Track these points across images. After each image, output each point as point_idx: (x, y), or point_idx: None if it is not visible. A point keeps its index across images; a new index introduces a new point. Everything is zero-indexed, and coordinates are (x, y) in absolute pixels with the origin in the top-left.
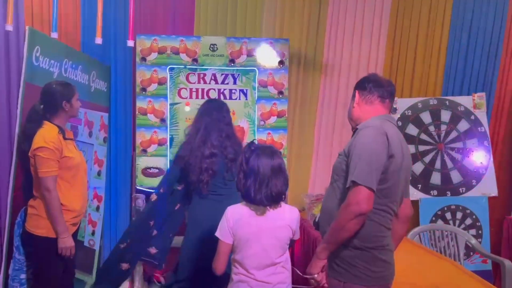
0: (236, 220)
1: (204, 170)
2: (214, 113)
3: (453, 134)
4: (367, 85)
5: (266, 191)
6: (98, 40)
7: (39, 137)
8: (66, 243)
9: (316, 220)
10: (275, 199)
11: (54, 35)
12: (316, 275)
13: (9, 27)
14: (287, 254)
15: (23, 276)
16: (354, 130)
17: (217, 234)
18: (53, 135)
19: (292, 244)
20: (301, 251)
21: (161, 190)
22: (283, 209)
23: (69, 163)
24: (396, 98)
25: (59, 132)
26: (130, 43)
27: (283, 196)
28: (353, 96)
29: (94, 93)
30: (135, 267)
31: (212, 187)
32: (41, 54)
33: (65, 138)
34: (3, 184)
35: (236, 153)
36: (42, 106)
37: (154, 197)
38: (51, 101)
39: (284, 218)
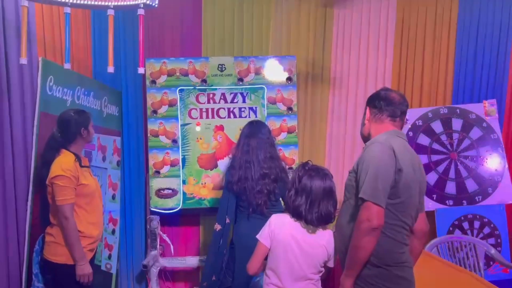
0: (278, 226)
1: (259, 192)
2: (258, 135)
3: (466, 142)
4: (378, 103)
5: (316, 211)
6: (110, 69)
7: (57, 166)
8: (84, 270)
9: None
10: (325, 219)
11: (67, 66)
12: None
13: (24, 61)
14: (319, 276)
15: None
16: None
17: (257, 236)
18: (70, 163)
19: (327, 273)
20: None
21: (227, 221)
22: (324, 231)
23: (85, 190)
24: None
25: (76, 160)
26: (141, 70)
27: (332, 218)
28: (365, 112)
29: (106, 118)
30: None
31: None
32: (54, 83)
33: (81, 166)
34: (22, 212)
35: (279, 174)
36: (59, 134)
37: (218, 227)
38: (68, 129)
39: (323, 240)
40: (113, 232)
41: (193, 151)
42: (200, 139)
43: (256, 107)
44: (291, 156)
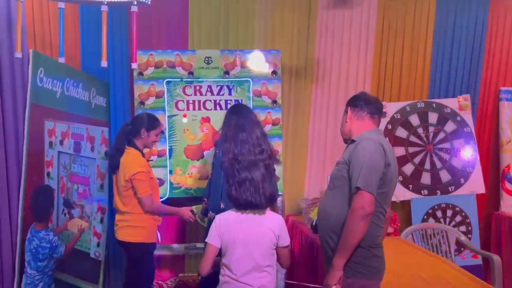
0: (225, 224)
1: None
2: (248, 114)
3: (441, 135)
4: (358, 102)
5: (259, 195)
6: (104, 64)
7: (135, 164)
8: (185, 215)
9: (314, 223)
10: (269, 200)
11: (62, 60)
12: (334, 287)
13: (19, 54)
14: (274, 261)
15: None
16: (347, 141)
17: (206, 239)
18: (142, 160)
19: (285, 251)
20: (299, 254)
21: (222, 206)
22: (266, 215)
23: (153, 183)
24: (385, 103)
25: (143, 156)
26: (134, 65)
27: (275, 199)
28: (345, 111)
29: (94, 109)
30: None
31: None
32: (44, 75)
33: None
34: (14, 203)
35: (272, 151)
36: (130, 127)
37: (212, 215)
38: (134, 126)
39: (267, 224)
40: (101, 220)
41: (180, 142)
42: (187, 130)
43: (242, 100)
44: (275, 147)
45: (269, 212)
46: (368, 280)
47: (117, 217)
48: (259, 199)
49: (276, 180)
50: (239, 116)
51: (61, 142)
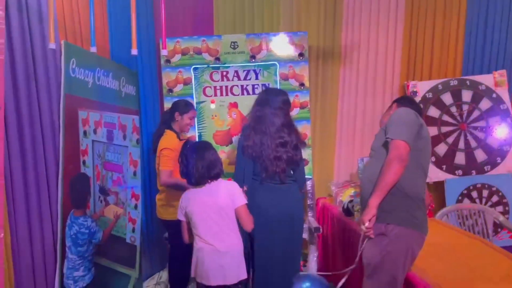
0: (185, 200)
1: (277, 158)
2: (273, 102)
3: (475, 113)
4: (403, 101)
5: (206, 171)
6: (134, 51)
7: (163, 141)
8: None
9: (345, 206)
10: (215, 175)
11: (94, 49)
12: (367, 223)
13: (52, 45)
14: (234, 222)
15: (76, 273)
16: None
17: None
18: (174, 139)
19: (240, 210)
20: (331, 238)
21: (244, 189)
22: (219, 183)
23: None
24: (415, 82)
25: (178, 138)
26: (164, 52)
27: (221, 170)
28: (391, 107)
29: (124, 98)
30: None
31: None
32: (76, 65)
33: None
34: (53, 192)
35: (298, 143)
36: (168, 114)
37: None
38: (170, 110)
39: (220, 190)
40: (136, 207)
41: (208, 128)
42: (215, 116)
43: (269, 84)
44: (303, 131)
45: (221, 181)
46: (410, 230)
47: (157, 196)
48: (206, 173)
49: (303, 165)
50: (261, 106)
51: (95, 131)
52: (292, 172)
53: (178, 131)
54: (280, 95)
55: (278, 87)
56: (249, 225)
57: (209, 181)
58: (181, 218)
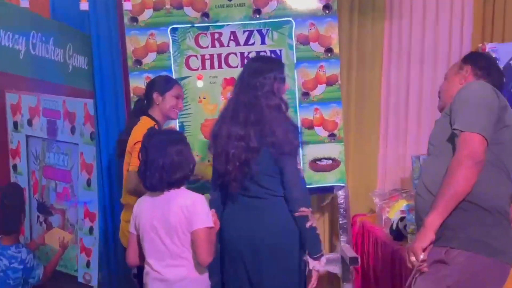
0: (137, 208)
1: (229, 156)
2: (250, 77)
3: None
4: (480, 63)
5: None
6: (84, 6)
7: (138, 132)
8: None
9: (394, 227)
10: (174, 180)
11: (25, 3)
12: (421, 255)
13: None
14: (187, 248)
15: None
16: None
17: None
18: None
19: (197, 235)
20: (374, 268)
21: (211, 198)
22: (178, 193)
23: None
24: (495, 44)
25: (155, 125)
26: (127, 5)
27: (183, 178)
28: (460, 68)
29: (72, 73)
30: None
31: (243, 184)
32: (1, 27)
33: None
34: None
35: (269, 144)
36: (144, 100)
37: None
38: (146, 92)
39: (177, 203)
40: (91, 231)
41: (194, 116)
42: (204, 98)
43: (280, 50)
44: (332, 117)
45: (182, 191)
46: (485, 258)
47: (122, 214)
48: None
49: (295, 169)
50: (236, 88)
51: (30, 122)
52: (266, 181)
53: (160, 119)
54: (270, 68)
55: (294, 55)
56: (204, 258)
57: (168, 188)
58: (132, 230)
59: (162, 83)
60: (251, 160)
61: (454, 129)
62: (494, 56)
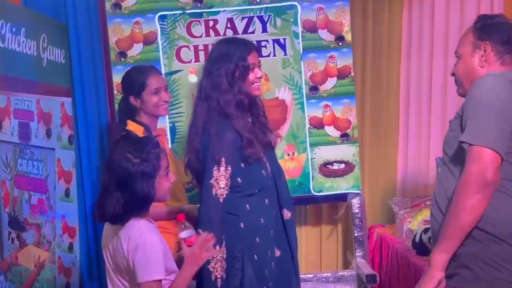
0: (104, 232)
1: None
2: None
3: None
4: (505, 36)
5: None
6: None
7: None
8: None
9: (417, 239)
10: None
11: None
12: None
13: None
14: None
15: None
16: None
17: None
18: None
19: None
20: (393, 286)
21: None
22: (128, 226)
23: None
24: None
25: (145, 131)
26: None
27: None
28: (476, 46)
29: (47, 68)
30: None
31: None
32: None
33: None
34: None
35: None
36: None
37: None
38: (124, 97)
39: (122, 240)
40: (70, 248)
41: (187, 115)
42: None
43: (284, 39)
44: (345, 115)
45: (132, 224)
46: None
47: None
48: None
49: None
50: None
51: None
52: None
53: (149, 121)
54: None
55: (300, 44)
56: None
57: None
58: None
59: (132, 84)
60: None
61: (462, 141)
62: None
